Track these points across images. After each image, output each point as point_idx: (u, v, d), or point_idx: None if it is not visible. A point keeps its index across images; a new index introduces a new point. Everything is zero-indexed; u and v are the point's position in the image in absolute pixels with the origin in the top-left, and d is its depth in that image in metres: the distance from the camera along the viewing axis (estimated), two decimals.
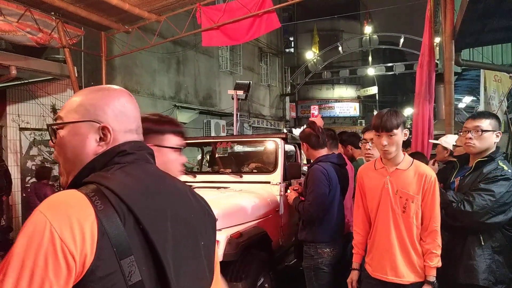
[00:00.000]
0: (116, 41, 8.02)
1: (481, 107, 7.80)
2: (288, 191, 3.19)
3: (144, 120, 1.35)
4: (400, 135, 2.02)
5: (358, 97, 25.47)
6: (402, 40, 18.69)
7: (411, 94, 19.05)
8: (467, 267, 2.18)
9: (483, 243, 2.17)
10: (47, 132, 0.91)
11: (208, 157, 5.09)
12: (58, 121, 0.90)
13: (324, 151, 2.86)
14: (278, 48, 19.76)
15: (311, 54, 21.29)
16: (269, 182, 3.74)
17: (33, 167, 6.98)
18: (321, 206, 2.67)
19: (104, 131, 0.88)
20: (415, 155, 2.68)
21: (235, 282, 2.77)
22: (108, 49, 7.67)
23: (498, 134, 2.25)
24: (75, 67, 6.64)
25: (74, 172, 0.86)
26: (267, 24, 6.33)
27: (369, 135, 2.99)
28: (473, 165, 2.29)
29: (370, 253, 2.16)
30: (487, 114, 2.30)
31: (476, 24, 4.33)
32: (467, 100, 13.48)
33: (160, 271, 0.79)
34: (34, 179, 6.86)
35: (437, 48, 10.61)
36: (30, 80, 6.56)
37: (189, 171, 4.39)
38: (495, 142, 2.25)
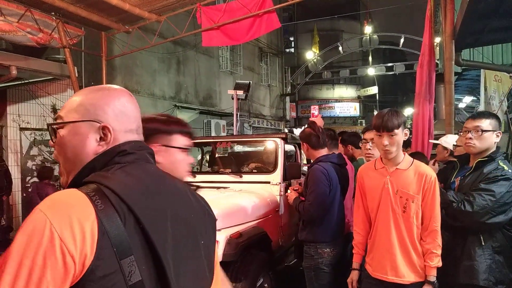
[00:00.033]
0: (116, 41, 8.03)
1: (481, 107, 7.80)
2: (289, 191, 3.19)
3: (152, 120, 1.36)
4: (401, 135, 2.02)
5: (358, 97, 25.46)
6: (402, 40, 18.69)
7: (411, 94, 19.04)
8: (467, 267, 2.18)
9: (483, 243, 2.17)
10: (48, 132, 0.91)
11: (208, 157, 5.09)
12: (58, 121, 0.90)
13: (324, 151, 2.86)
14: (278, 48, 19.76)
15: (311, 54, 21.29)
16: (269, 182, 3.74)
17: (34, 167, 6.99)
18: (321, 206, 2.67)
19: (104, 130, 0.88)
20: (415, 155, 2.68)
21: (234, 283, 2.77)
22: (108, 49, 7.68)
23: (498, 134, 2.25)
24: (75, 67, 6.65)
25: (74, 172, 0.86)
26: (267, 24, 6.33)
27: (369, 135, 2.99)
28: (474, 165, 2.29)
29: (371, 253, 2.16)
30: (487, 114, 2.30)
31: (476, 24, 4.33)
32: (467, 100, 13.47)
33: (160, 271, 0.79)
34: (34, 179, 6.87)
35: (437, 48, 10.61)
36: (30, 80, 6.57)
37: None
38: (495, 142, 2.25)
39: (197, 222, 0.95)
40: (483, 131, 2.21)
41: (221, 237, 2.73)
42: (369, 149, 3.09)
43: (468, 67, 8.68)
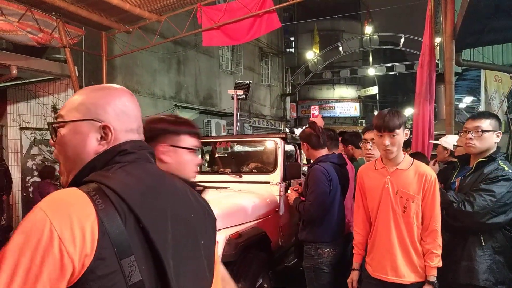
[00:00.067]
0: (116, 41, 8.03)
1: (481, 107, 7.79)
2: (289, 191, 3.18)
3: (160, 120, 1.37)
4: (402, 135, 2.03)
5: (359, 97, 25.45)
6: (402, 40, 18.70)
7: (412, 94, 19.06)
8: (467, 268, 2.18)
9: (483, 244, 2.17)
10: (48, 131, 0.91)
11: (207, 157, 5.09)
12: (59, 120, 0.90)
13: (324, 151, 2.86)
14: (279, 48, 19.76)
15: (311, 54, 21.30)
16: (268, 182, 3.73)
17: (34, 167, 6.99)
18: (321, 206, 2.67)
19: (105, 130, 0.88)
20: (416, 156, 2.68)
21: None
22: (108, 49, 7.68)
23: (499, 134, 2.25)
24: (75, 67, 6.65)
25: (74, 171, 0.86)
26: (268, 24, 6.33)
27: (369, 135, 2.99)
28: (474, 165, 2.29)
29: (371, 253, 2.16)
30: (487, 114, 2.30)
31: (476, 24, 4.33)
32: (467, 100, 13.47)
33: (160, 271, 0.79)
34: (34, 179, 6.88)
35: (438, 48, 10.61)
36: (30, 80, 6.57)
37: None
38: (495, 142, 2.25)
39: (197, 222, 0.95)
40: (483, 131, 2.21)
41: (221, 238, 2.72)
42: (370, 149, 3.09)
43: (468, 67, 8.68)
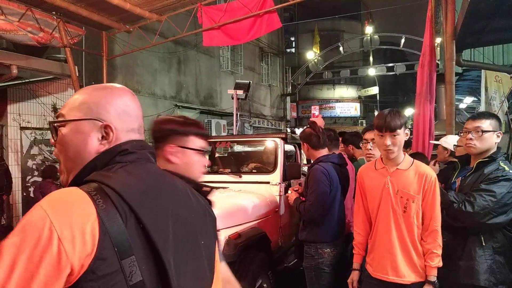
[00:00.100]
0: (117, 40, 8.03)
1: (482, 108, 7.79)
2: (289, 191, 3.18)
3: (169, 121, 1.38)
4: (403, 135, 2.03)
5: (359, 97, 25.45)
6: (403, 40, 18.70)
7: (412, 94, 19.03)
8: (468, 268, 2.18)
9: (484, 244, 2.16)
10: (48, 131, 0.90)
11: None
12: (60, 119, 0.89)
13: (324, 151, 2.86)
14: (279, 48, 19.76)
15: (312, 54, 21.29)
16: (268, 182, 3.73)
17: (34, 166, 6.99)
18: (322, 206, 2.67)
19: (106, 129, 0.87)
20: (416, 156, 2.68)
21: None
22: (109, 49, 7.68)
23: (499, 134, 2.25)
24: (76, 67, 6.65)
25: (75, 171, 0.86)
26: (268, 24, 6.33)
27: (370, 135, 2.99)
28: (474, 165, 2.29)
29: (371, 253, 2.16)
30: (487, 115, 2.30)
31: (477, 24, 4.33)
32: (468, 100, 13.45)
33: (161, 271, 0.79)
34: (34, 178, 6.88)
35: (438, 48, 10.59)
36: (31, 80, 6.58)
37: None
38: (496, 143, 2.25)
39: (197, 222, 0.95)
40: (483, 131, 2.21)
41: (220, 238, 2.72)
42: (370, 149, 3.08)
43: (468, 68, 8.68)
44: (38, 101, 7.03)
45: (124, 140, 0.89)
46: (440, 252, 2.00)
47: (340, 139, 3.68)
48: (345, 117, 25.01)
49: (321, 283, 2.67)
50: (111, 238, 0.72)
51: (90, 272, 0.70)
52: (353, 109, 25.03)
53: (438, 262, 1.99)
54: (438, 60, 10.61)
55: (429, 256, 1.99)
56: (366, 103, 26.85)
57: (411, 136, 4.07)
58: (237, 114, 6.79)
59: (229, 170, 4.06)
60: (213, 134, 11.70)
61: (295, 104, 22.52)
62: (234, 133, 7.60)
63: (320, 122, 2.90)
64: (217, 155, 4.91)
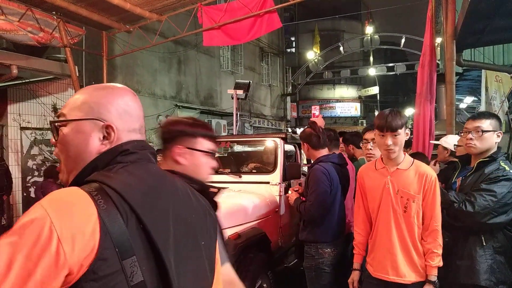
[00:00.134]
0: (117, 40, 8.03)
1: (482, 108, 7.80)
2: (289, 192, 3.18)
3: (178, 122, 1.38)
4: (403, 135, 2.04)
5: (359, 97, 25.44)
6: (403, 40, 18.70)
7: (412, 94, 19.03)
8: (468, 267, 2.18)
9: (484, 244, 2.16)
10: (48, 131, 0.89)
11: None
12: (61, 118, 0.89)
13: (325, 151, 2.86)
14: (279, 48, 19.76)
15: (312, 54, 21.29)
16: (268, 183, 3.73)
17: (34, 167, 7.00)
18: (322, 206, 2.67)
19: (108, 130, 0.87)
20: (416, 156, 2.68)
21: None
22: (109, 49, 7.68)
23: (499, 134, 2.25)
24: (76, 67, 6.65)
25: (76, 171, 0.86)
26: (268, 24, 6.33)
27: (370, 135, 2.99)
28: (475, 165, 2.29)
29: (372, 253, 2.16)
30: (487, 115, 2.30)
31: (477, 24, 4.33)
32: (468, 100, 13.45)
33: (162, 271, 0.79)
34: (35, 179, 6.88)
35: (438, 48, 10.59)
36: (31, 80, 6.58)
37: None
38: (496, 143, 2.25)
39: (197, 222, 0.95)
40: (483, 131, 2.21)
41: (226, 239, 2.72)
42: (370, 149, 3.08)
43: (469, 68, 8.68)
44: (38, 101, 7.03)
45: (125, 140, 0.88)
46: (440, 251, 2.00)
47: (341, 139, 3.67)
48: (346, 117, 25.00)
49: (321, 283, 2.67)
50: (112, 239, 0.72)
51: (91, 272, 0.69)
52: (354, 109, 25.03)
53: (438, 261, 1.99)
54: (439, 60, 10.60)
55: (429, 256, 2.00)
56: (367, 103, 26.84)
57: (412, 136, 4.07)
58: (237, 114, 6.80)
59: (229, 170, 4.06)
60: None
61: (295, 104, 22.52)
62: (234, 133, 7.60)
63: (320, 122, 2.90)
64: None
